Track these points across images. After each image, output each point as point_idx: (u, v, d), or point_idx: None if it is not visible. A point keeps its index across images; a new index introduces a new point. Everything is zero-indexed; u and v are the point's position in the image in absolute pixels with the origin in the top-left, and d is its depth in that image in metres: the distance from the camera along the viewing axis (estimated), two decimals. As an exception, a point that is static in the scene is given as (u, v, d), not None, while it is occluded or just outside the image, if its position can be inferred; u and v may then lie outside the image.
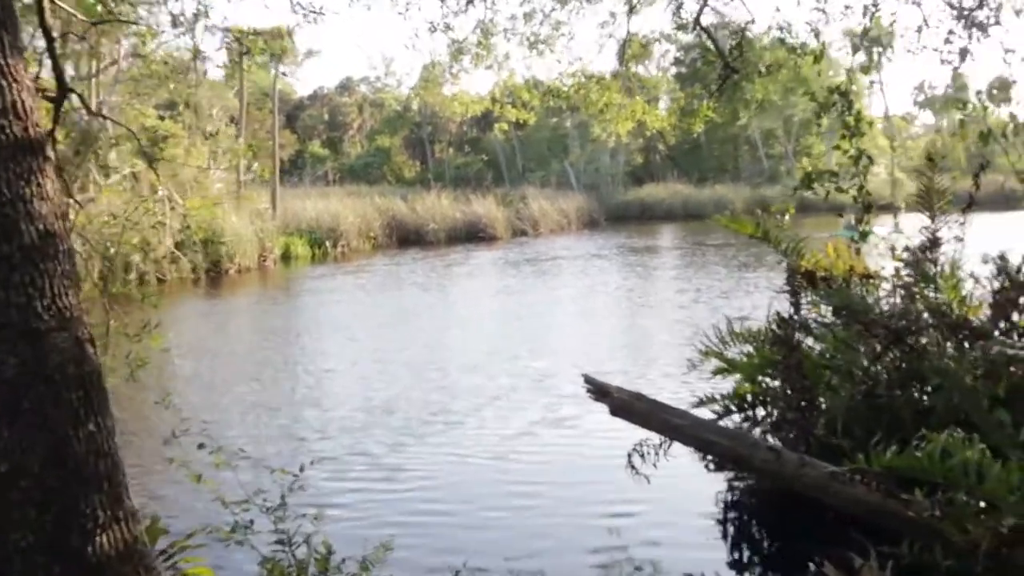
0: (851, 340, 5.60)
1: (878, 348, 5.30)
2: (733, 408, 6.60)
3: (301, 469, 4.32)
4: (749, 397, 6.51)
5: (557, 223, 41.20)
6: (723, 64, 8.62)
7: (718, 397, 6.71)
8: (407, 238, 35.15)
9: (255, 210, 29.99)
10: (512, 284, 21.90)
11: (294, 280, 25.35)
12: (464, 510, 6.64)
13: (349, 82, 75.51)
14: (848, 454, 5.18)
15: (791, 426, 5.58)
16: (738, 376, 6.96)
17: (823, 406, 5.68)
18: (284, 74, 42.28)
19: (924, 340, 5.19)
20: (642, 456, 5.84)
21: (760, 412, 6.62)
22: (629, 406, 5.36)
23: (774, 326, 5.92)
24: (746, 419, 6.63)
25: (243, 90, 34.09)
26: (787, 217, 6.77)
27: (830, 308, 5.90)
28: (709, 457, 5.95)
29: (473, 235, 36.15)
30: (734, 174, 59.99)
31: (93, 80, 26.55)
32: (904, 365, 5.31)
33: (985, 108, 6.76)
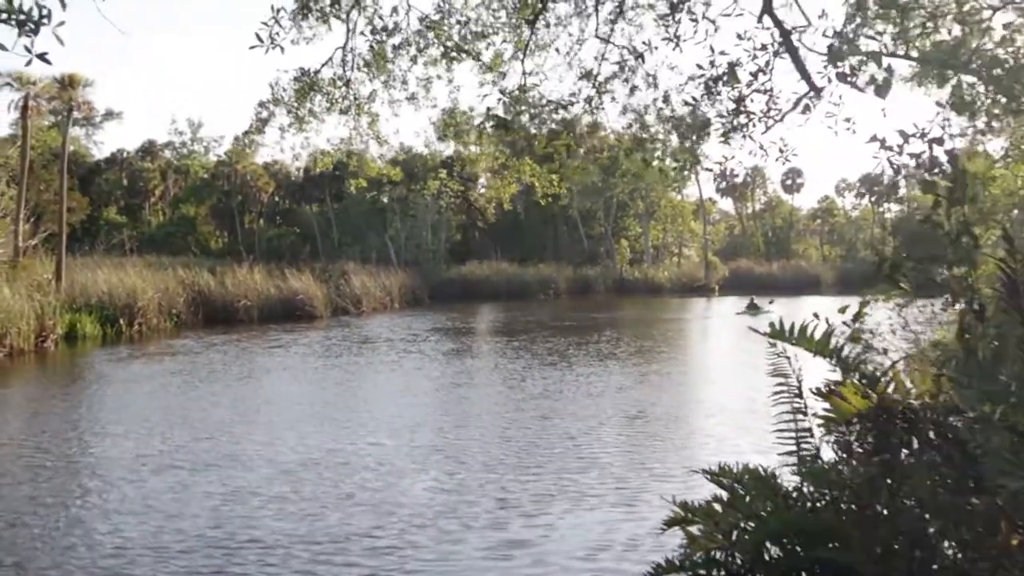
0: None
1: None
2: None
3: None
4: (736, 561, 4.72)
5: (380, 301, 39.12)
6: (804, 79, 6.32)
7: (684, 563, 4.86)
8: (215, 316, 31.79)
9: (35, 282, 26.10)
10: (339, 378, 19.02)
11: (73, 368, 21.62)
12: None
13: (152, 146, 70.86)
14: None
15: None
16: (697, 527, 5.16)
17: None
18: (78, 122, 38.31)
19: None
20: None
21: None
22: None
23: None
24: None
25: (27, 144, 30.13)
26: (859, 324, 4.49)
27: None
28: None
29: (290, 313, 33.30)
30: (554, 253, 60.10)
31: None
32: None
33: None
